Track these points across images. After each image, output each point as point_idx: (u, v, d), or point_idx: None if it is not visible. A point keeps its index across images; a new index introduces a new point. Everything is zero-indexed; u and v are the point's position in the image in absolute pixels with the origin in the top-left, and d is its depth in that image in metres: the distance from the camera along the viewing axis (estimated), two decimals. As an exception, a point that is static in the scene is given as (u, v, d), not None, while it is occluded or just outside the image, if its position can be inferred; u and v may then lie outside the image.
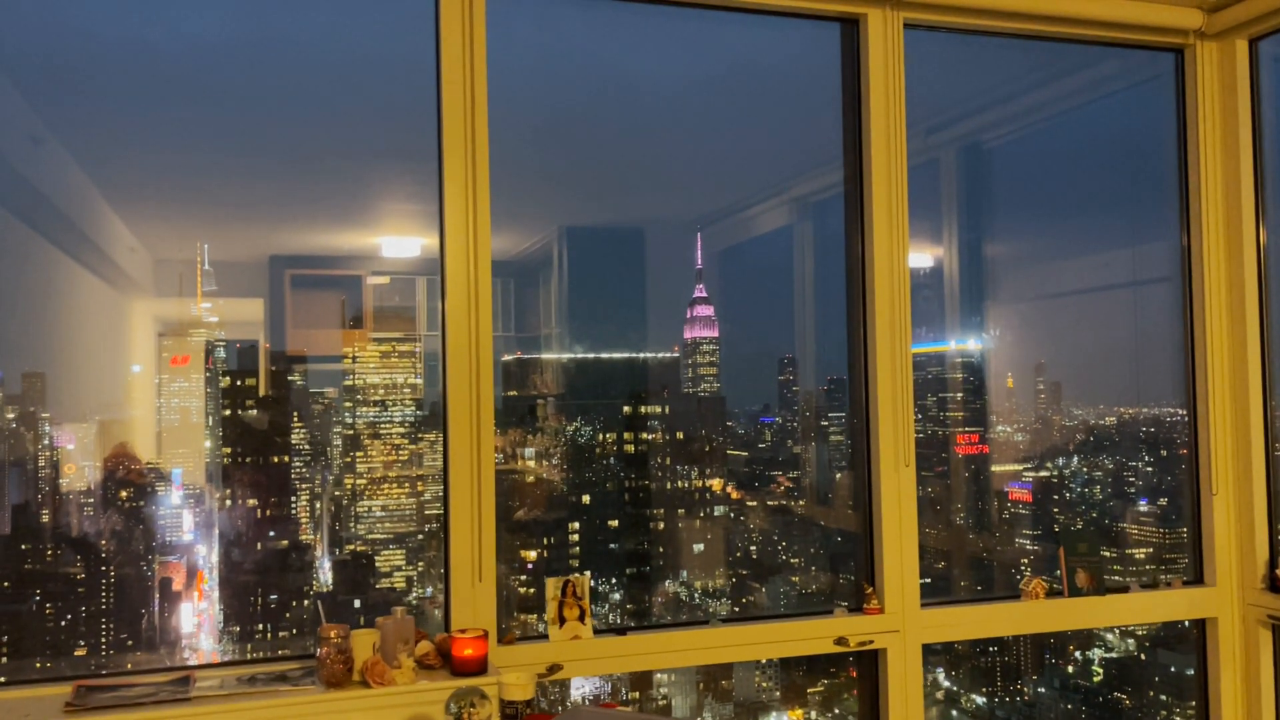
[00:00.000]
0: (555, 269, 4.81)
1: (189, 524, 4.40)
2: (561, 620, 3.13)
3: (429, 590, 4.85)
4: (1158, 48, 3.64)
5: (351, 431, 4.87)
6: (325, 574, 4.84)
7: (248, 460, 4.60)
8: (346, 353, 4.83)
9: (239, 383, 4.39)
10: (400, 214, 4.25)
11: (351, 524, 4.87)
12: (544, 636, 3.12)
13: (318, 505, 4.91)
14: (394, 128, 4.06)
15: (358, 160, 4.28)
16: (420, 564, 4.85)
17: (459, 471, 3.02)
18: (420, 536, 4.89)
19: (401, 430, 4.87)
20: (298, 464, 4.90)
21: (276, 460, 4.84)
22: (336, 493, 4.93)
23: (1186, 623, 4.02)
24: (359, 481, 4.87)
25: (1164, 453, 4.72)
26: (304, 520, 4.84)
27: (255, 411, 4.34)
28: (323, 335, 4.80)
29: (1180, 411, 3.92)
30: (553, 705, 3.62)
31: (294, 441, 4.91)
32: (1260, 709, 3.49)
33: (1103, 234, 4.99)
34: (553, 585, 3.08)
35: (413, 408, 4.88)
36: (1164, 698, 4.87)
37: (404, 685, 2.62)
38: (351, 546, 4.92)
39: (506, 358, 4.73)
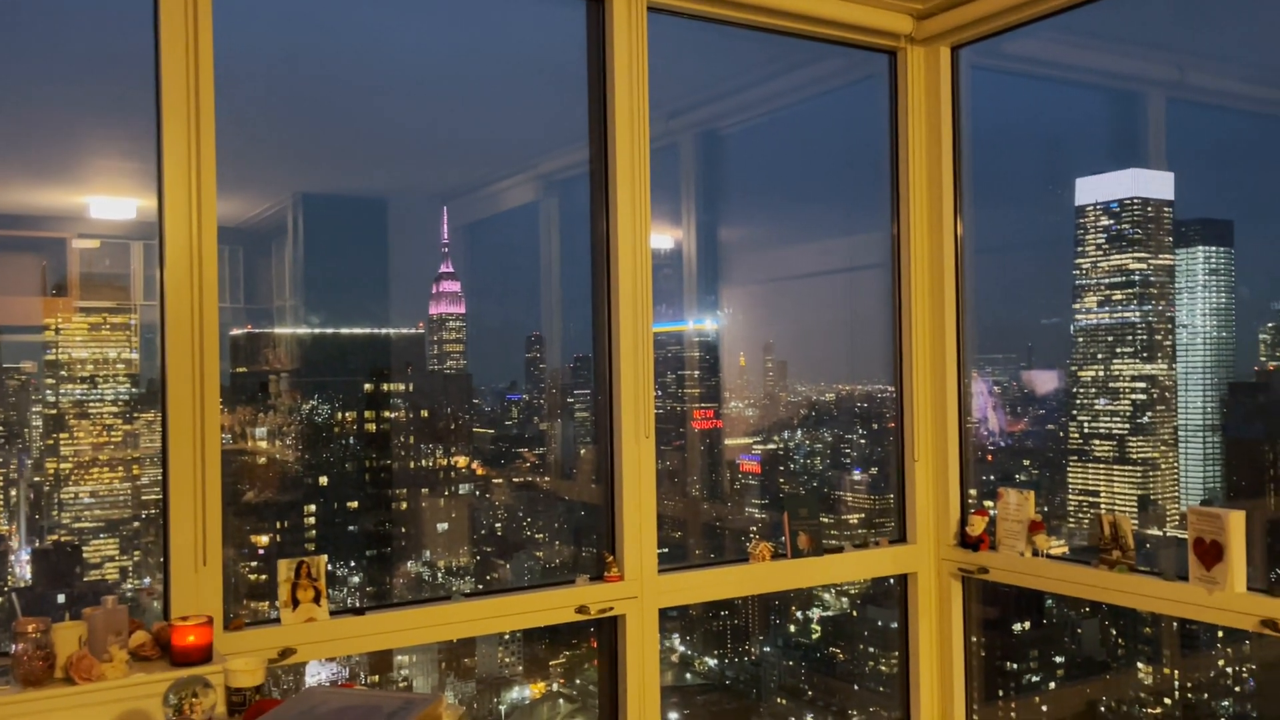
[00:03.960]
0: (290, 238, 4.57)
1: None
2: (295, 603, 3.03)
3: (146, 580, 4.53)
4: (874, 49, 3.95)
5: (55, 411, 4.45)
6: (23, 567, 4.42)
7: (-76, 442, 4.11)
8: (48, 323, 4.39)
9: (-87, 354, 3.88)
10: (113, 172, 3.89)
11: (55, 512, 4.48)
12: (277, 621, 3.01)
13: (13, 492, 4.47)
14: (107, 75, 3.72)
15: (64, 109, 3.88)
16: (136, 553, 4.51)
17: (180, 452, 2.84)
18: (136, 524, 4.56)
19: (114, 410, 4.50)
20: (-12, 447, 4.43)
21: (-39, 443, 4.36)
22: (36, 478, 4.51)
23: (892, 580, 4.39)
24: (63, 466, 4.47)
25: (875, 426, 5.13)
26: (-4, 509, 4.39)
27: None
28: (19, 303, 4.34)
29: (889, 388, 4.25)
30: (288, 694, 3.48)
31: (-17, 422, 4.44)
32: (950, 652, 3.90)
33: (824, 222, 5.33)
34: (285, 567, 2.96)
35: (127, 385, 4.51)
36: (872, 650, 5.28)
37: (115, 680, 2.42)
38: (54, 536, 4.52)
39: (236, 331, 4.46)
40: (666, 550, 4.25)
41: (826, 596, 5.46)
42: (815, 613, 5.51)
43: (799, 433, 5.59)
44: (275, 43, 4.07)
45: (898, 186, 4.03)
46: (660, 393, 4.71)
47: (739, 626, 5.48)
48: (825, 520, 4.91)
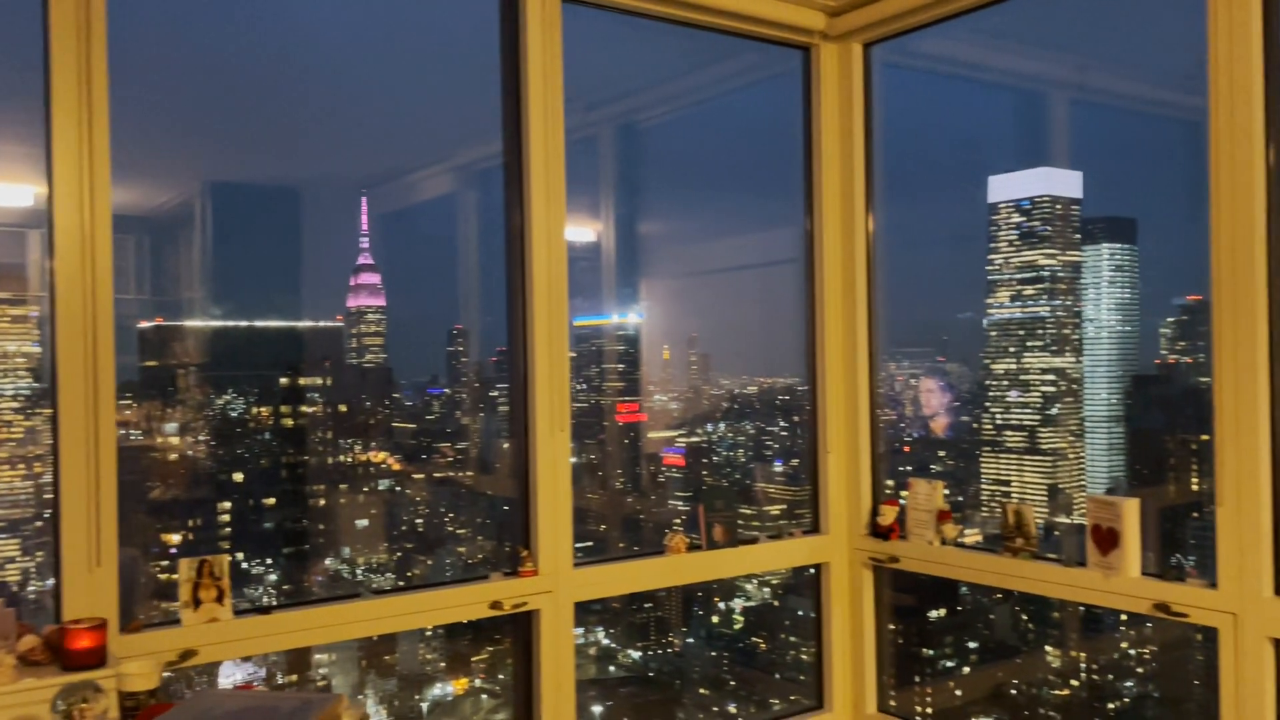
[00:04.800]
0: (198, 228, 4.44)
1: None
2: (197, 603, 2.96)
3: (49, 582, 4.38)
4: (788, 44, 3.98)
5: (-50, 406, 4.28)
6: None
7: None
8: (-58, 316, 4.22)
9: None
10: (6, 156, 3.74)
11: None
12: (177, 622, 2.94)
13: None
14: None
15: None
16: (39, 554, 4.36)
17: (72, 448, 2.75)
18: (39, 523, 4.40)
19: (14, 405, 4.33)
20: (-124, 444, 4.24)
21: None
22: None
23: (811, 569, 4.44)
24: None
25: (795, 418, 5.19)
26: (-115, 509, 4.20)
27: None
28: (-92, 294, 4.15)
29: (807, 381, 4.29)
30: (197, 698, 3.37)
31: None
32: (863, 640, 3.96)
33: (742, 216, 5.36)
34: (186, 566, 2.88)
35: (28, 379, 4.35)
36: (793, 639, 5.33)
37: (1, 686, 2.34)
38: None
39: (144, 324, 4.32)
40: (590, 544, 4.25)
41: (749, 587, 5.51)
42: (738, 603, 5.56)
43: (722, 425, 5.63)
44: (179, 24, 3.95)
45: (811, 181, 4.07)
46: (584, 386, 4.70)
47: (662, 619, 5.49)
48: (746, 512, 4.95)
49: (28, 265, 4.16)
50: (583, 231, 4.54)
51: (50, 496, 4.38)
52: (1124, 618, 4.80)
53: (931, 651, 5.23)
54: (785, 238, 4.30)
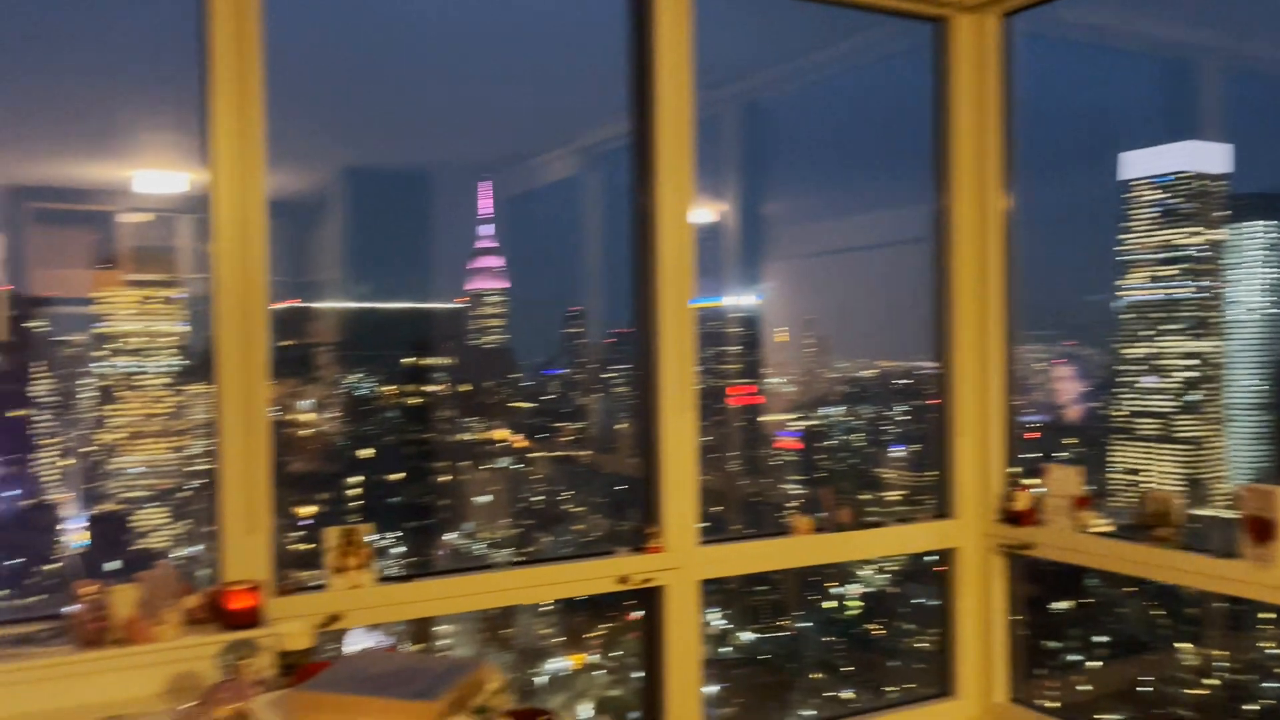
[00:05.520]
0: (335, 212, 4.63)
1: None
2: (342, 571, 3.00)
3: (195, 549, 4.60)
4: (920, 17, 3.87)
5: (105, 382, 4.53)
6: (77, 534, 4.50)
7: (-19, 411, 4.20)
8: (98, 296, 4.47)
9: (-29, 325, 3.95)
10: (160, 145, 3.92)
11: (106, 480, 4.56)
12: (322, 588, 2.97)
13: (66, 461, 4.56)
14: (153, 50, 3.74)
15: (111, 84, 3.91)
16: (186, 521, 4.59)
17: (230, 421, 2.83)
18: (185, 493, 4.63)
19: (163, 381, 4.57)
20: (42, 417, 4.51)
21: (15, 413, 4.44)
22: (87, 448, 4.60)
23: (930, 558, 4.35)
24: (114, 435, 4.56)
25: (917, 402, 5.09)
26: (50, 478, 4.47)
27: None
28: (69, 276, 4.41)
29: (931, 364, 4.23)
30: (334, 659, 3.49)
31: (36, 393, 4.51)
32: (992, 629, 3.85)
33: (867, 195, 5.27)
34: (332, 534, 2.96)
35: (176, 357, 4.58)
36: (911, 626, 5.28)
37: (168, 642, 2.46)
38: (105, 505, 4.60)
39: (280, 305, 4.49)
40: (706, 525, 4.25)
41: (864, 573, 5.47)
42: (853, 589, 5.52)
43: (839, 409, 5.59)
44: (321, 15, 4.07)
45: (943, 158, 3.95)
46: (700, 368, 4.70)
47: (777, 602, 5.49)
48: (865, 497, 4.90)
49: (179, 249, 4.38)
50: (704, 211, 4.43)
51: (195, 468, 4.63)
52: (1266, 615, 4.58)
53: (1057, 644, 5.09)
54: (912, 217, 4.21)
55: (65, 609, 2.51)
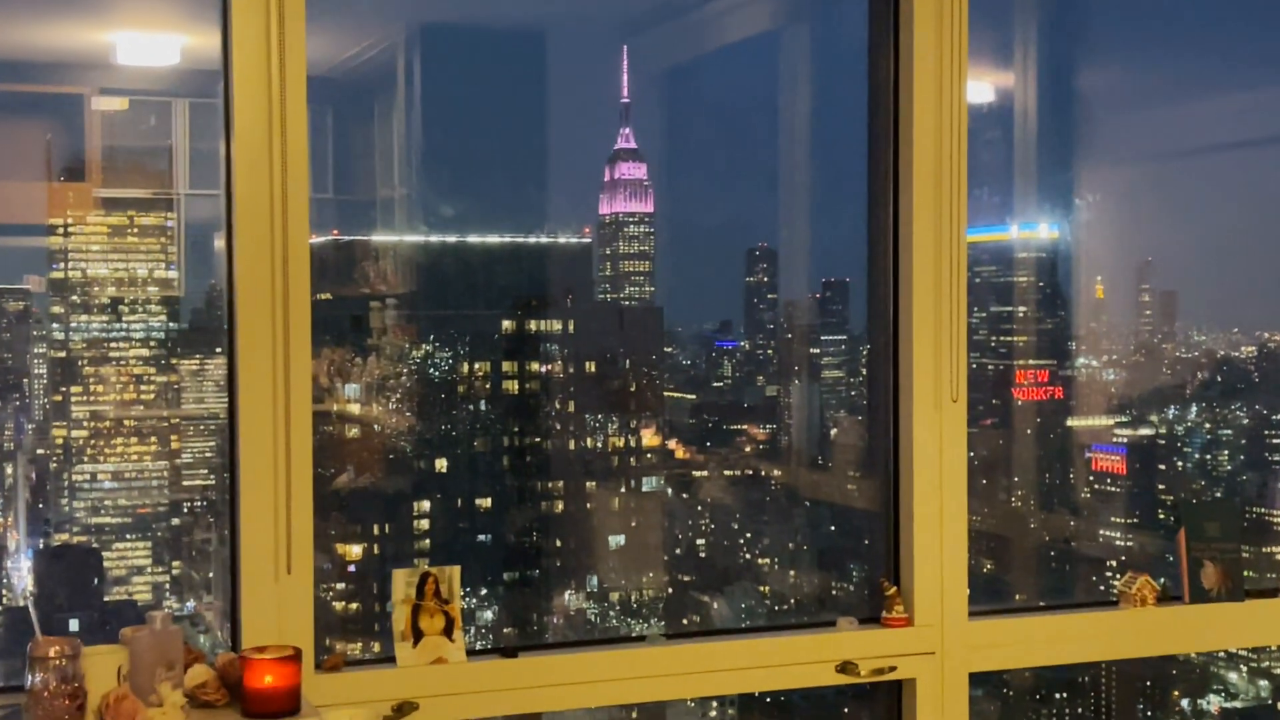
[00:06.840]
0: (400, 94, 4.65)
1: None
2: (417, 635, 3.07)
3: (190, 604, 4.73)
4: None
5: (64, 353, 4.68)
6: (22, 577, 4.69)
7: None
8: (55, 223, 4.61)
9: None
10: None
11: (65, 498, 4.73)
12: (388, 660, 3.08)
13: (8, 469, 4.74)
14: None
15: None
16: (177, 562, 4.72)
17: (254, 413, 2.90)
18: (176, 520, 4.76)
19: (146, 352, 4.69)
20: (-25, 403, 4.72)
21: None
22: (40, 450, 4.78)
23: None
24: (77, 432, 4.71)
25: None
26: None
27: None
28: (14, 192, 4.55)
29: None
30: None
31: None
32: None
33: (1245, 68, 5.15)
34: (402, 580, 3.02)
35: (164, 315, 4.69)
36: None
37: (171, 729, 2.50)
38: (64, 535, 4.78)
39: (318, 238, 4.56)
40: (977, 587, 4.26)
41: (1233, 678, 5.42)
42: (1213, 702, 5.44)
43: (1195, 409, 5.56)
44: None
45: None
46: (971, 339, 4.71)
47: (1084, 716, 5.42)
48: (1246, 551, 4.78)
49: (172, 151, 4.43)
50: (982, 88, 4.43)
51: (194, 482, 4.73)
52: None
53: None
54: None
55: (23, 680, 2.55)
